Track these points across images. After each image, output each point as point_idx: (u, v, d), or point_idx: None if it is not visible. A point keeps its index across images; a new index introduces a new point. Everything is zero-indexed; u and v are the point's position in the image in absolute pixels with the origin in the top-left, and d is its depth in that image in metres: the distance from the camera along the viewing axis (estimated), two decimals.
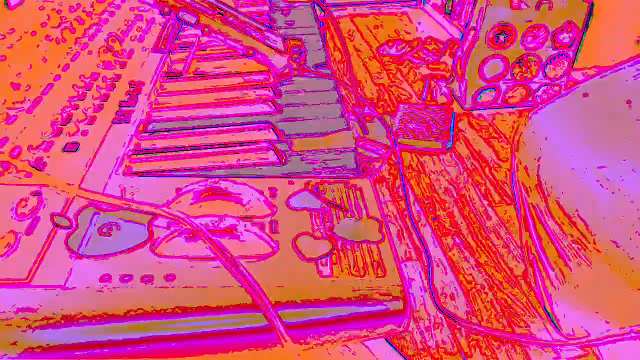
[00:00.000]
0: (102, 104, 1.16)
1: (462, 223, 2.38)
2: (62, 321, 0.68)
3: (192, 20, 1.26)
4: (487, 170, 2.73)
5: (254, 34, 1.29)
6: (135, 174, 0.96)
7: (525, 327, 1.90)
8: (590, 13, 2.97)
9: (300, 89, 1.26)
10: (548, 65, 3.11)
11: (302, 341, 0.72)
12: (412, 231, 2.33)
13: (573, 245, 1.15)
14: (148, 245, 0.77)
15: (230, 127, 1.09)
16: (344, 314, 0.73)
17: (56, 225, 0.79)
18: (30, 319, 0.68)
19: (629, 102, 1.29)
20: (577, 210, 1.14)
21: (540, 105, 1.45)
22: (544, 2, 2.98)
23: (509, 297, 2.01)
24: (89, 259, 0.75)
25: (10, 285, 0.71)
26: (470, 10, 3.30)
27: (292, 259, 0.76)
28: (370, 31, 4.41)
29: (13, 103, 1.12)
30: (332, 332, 0.74)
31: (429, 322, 1.91)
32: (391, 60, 3.86)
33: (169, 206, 0.83)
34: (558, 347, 1.72)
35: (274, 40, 1.30)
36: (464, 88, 3.14)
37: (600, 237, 1.08)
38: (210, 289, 0.72)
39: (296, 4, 1.81)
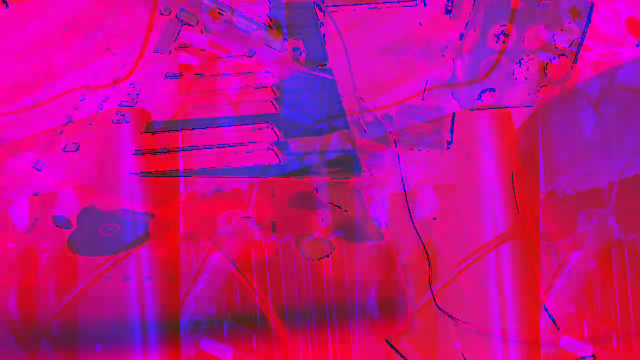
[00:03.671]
0: (102, 104, 1.16)
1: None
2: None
3: (192, 20, 1.26)
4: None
5: (254, 34, 1.30)
6: (136, 174, 0.96)
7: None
8: (590, 13, 2.97)
9: (301, 89, 1.26)
10: (548, 66, 3.12)
11: (302, 341, 0.72)
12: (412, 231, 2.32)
13: (571, 243, 1.16)
14: (147, 245, 0.77)
15: (230, 127, 1.09)
16: (345, 314, 0.73)
17: (56, 225, 0.79)
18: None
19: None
20: (575, 210, 1.14)
21: (540, 105, 1.45)
22: (545, 1, 2.98)
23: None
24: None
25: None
26: (470, 10, 3.29)
27: (292, 259, 0.76)
28: (371, 31, 4.41)
29: (13, 104, 1.12)
30: (333, 332, 0.74)
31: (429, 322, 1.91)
32: (391, 60, 3.85)
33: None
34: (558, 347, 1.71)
35: (274, 41, 1.31)
36: (464, 88, 3.14)
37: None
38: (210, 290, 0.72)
39: (296, 4, 1.81)
